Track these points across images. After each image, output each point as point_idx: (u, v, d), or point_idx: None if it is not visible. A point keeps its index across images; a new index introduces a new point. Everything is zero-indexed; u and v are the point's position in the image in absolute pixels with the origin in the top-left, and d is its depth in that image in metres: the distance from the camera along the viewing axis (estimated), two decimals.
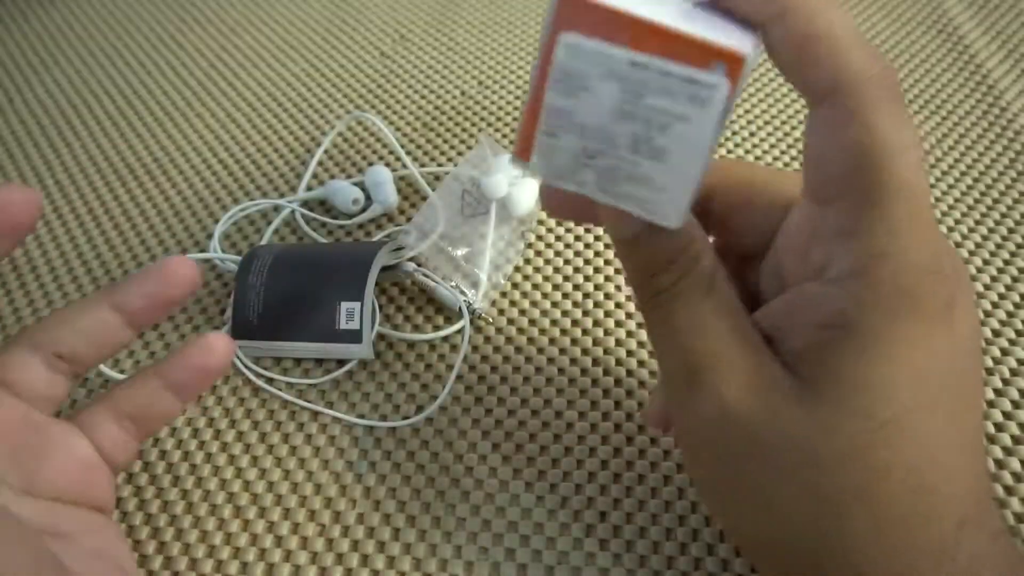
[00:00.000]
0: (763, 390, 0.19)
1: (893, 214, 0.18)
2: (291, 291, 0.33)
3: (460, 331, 0.34)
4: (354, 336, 0.31)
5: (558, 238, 0.39)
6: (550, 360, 0.33)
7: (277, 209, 0.41)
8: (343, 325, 0.31)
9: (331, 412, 0.32)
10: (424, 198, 0.40)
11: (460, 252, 0.36)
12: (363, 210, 0.40)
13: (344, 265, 0.33)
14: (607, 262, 0.37)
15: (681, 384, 0.21)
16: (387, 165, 0.43)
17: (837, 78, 0.18)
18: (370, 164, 0.43)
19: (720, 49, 0.16)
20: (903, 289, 0.18)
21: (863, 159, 0.18)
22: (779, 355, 0.20)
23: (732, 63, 0.16)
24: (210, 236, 0.40)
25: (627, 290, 0.36)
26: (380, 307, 0.36)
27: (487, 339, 0.34)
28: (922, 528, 0.19)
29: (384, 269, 0.35)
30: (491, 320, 0.35)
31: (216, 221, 0.41)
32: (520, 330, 0.35)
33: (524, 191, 0.38)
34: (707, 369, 0.20)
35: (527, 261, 0.38)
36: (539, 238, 0.39)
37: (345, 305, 0.31)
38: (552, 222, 0.39)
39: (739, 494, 0.21)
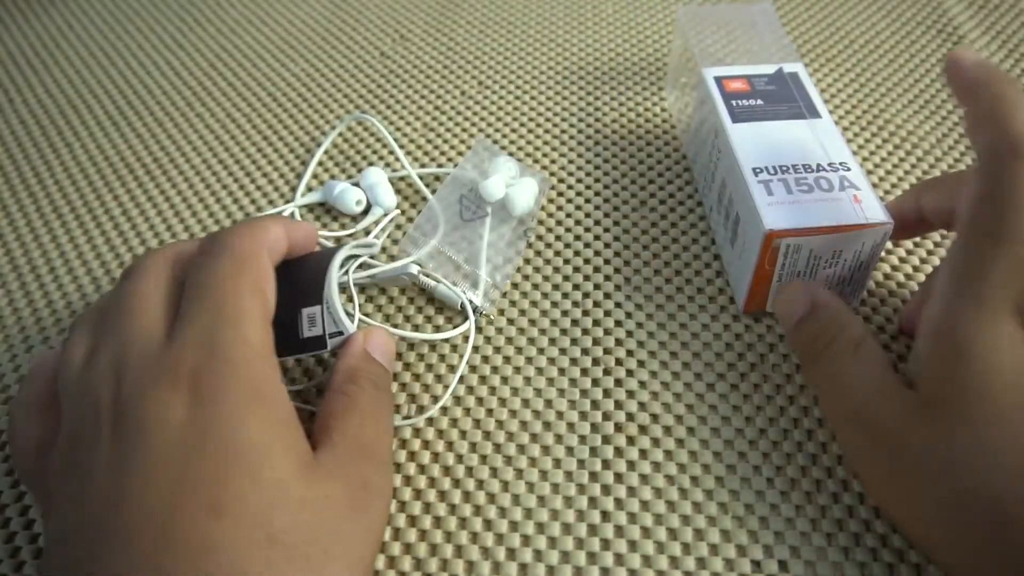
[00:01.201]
0: (896, 413, 0.25)
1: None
2: None
3: (465, 333, 0.34)
4: (318, 343, 0.29)
5: (558, 238, 0.39)
6: (551, 360, 0.33)
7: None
8: (306, 333, 0.30)
9: None
10: (424, 199, 0.40)
11: (461, 255, 0.36)
12: (365, 212, 0.40)
13: (304, 272, 0.31)
14: (607, 261, 0.37)
15: (838, 416, 0.27)
16: (387, 166, 0.43)
17: None
18: (371, 164, 0.43)
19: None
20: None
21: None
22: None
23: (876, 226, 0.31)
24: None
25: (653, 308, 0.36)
26: (374, 307, 0.36)
27: (488, 339, 0.34)
28: None
29: (386, 274, 0.35)
30: (492, 319, 0.35)
31: (216, 222, 0.41)
32: (521, 330, 0.35)
33: (522, 191, 0.38)
34: (854, 397, 0.27)
35: (527, 261, 0.38)
36: (539, 238, 0.39)
37: (306, 312, 0.30)
38: (553, 222, 0.39)
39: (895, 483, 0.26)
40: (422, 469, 0.30)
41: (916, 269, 0.36)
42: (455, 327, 0.34)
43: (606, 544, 0.28)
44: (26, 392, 0.27)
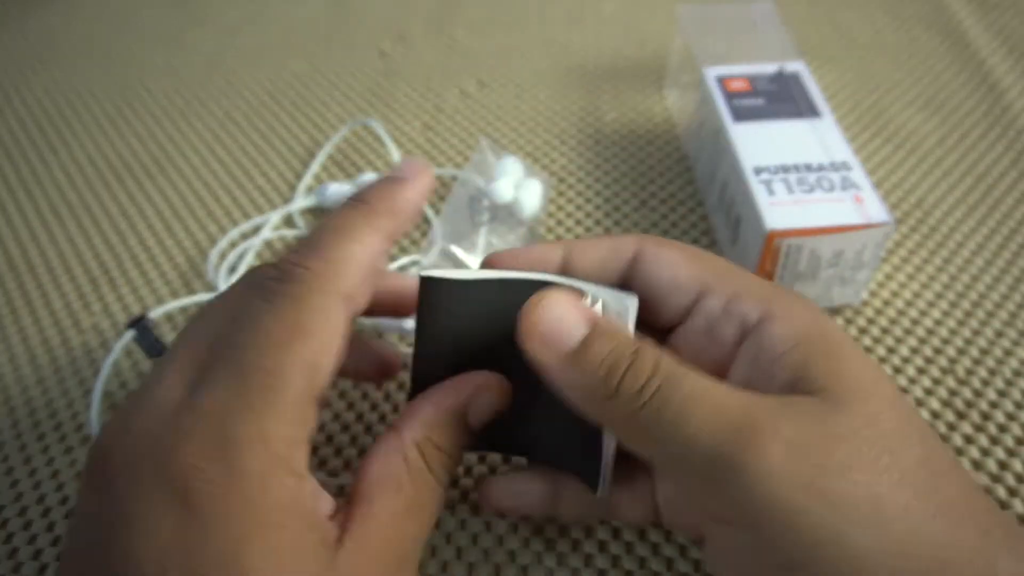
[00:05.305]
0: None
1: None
2: None
3: None
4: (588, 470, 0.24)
5: (558, 238, 0.39)
6: None
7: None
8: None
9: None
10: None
11: (475, 260, 0.36)
12: None
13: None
14: None
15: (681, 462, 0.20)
16: (391, 170, 0.43)
17: None
18: (375, 169, 0.43)
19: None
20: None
21: None
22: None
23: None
24: (211, 237, 0.40)
25: None
26: None
27: None
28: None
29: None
30: None
31: (215, 221, 0.41)
32: None
33: (529, 194, 0.38)
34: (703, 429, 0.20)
35: None
36: (540, 238, 0.39)
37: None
38: (553, 222, 0.39)
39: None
40: None
41: (918, 269, 0.36)
42: None
43: (604, 545, 0.28)
44: None
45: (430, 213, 0.39)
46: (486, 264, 0.25)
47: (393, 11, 0.55)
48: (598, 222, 0.39)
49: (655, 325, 0.24)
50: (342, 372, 0.25)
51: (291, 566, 0.19)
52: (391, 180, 0.24)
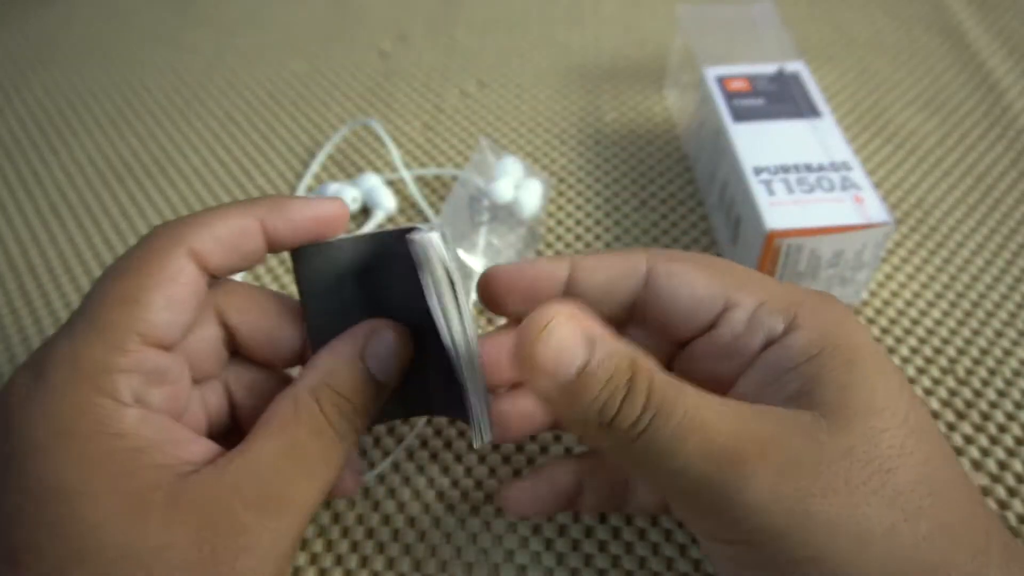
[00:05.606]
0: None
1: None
2: None
3: None
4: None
5: (559, 238, 0.39)
6: None
7: None
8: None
9: None
10: (413, 205, 0.40)
11: (475, 260, 0.36)
12: (363, 214, 0.40)
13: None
14: None
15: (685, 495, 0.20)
16: (386, 165, 0.43)
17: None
18: (372, 169, 0.43)
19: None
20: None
21: None
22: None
23: None
24: None
25: None
26: None
27: None
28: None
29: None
30: (492, 322, 0.35)
31: None
32: None
33: (529, 194, 0.38)
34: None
35: None
36: (539, 237, 0.39)
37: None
38: (553, 222, 0.39)
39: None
40: (421, 469, 0.30)
41: (918, 269, 0.36)
42: None
43: (604, 546, 0.28)
44: None
45: (430, 213, 0.39)
46: (485, 279, 0.24)
47: (393, 11, 0.55)
48: (598, 222, 0.39)
49: (675, 340, 0.24)
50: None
51: (87, 477, 0.19)
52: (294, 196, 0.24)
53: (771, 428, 0.19)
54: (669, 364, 0.25)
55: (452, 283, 0.21)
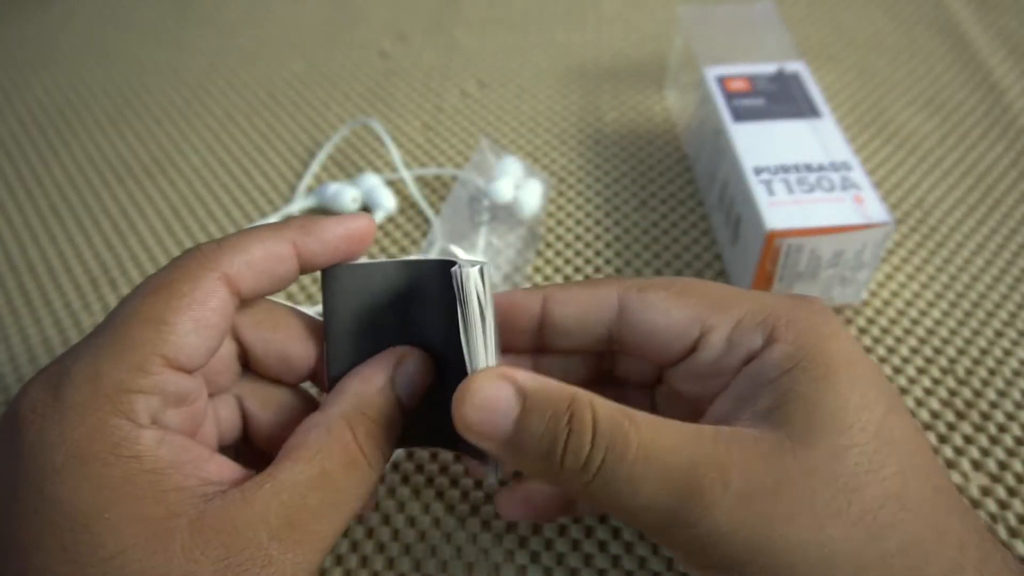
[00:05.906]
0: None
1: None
2: None
3: None
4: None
5: (558, 237, 0.39)
6: None
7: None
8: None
9: None
10: (412, 205, 0.40)
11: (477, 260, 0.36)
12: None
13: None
14: (607, 262, 0.37)
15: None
16: (386, 165, 0.43)
17: None
18: (372, 169, 0.43)
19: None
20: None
21: None
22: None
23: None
24: (210, 237, 0.40)
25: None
26: None
27: None
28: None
29: None
30: None
31: (215, 221, 0.41)
32: None
33: (529, 194, 0.38)
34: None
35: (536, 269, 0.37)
36: (539, 237, 0.39)
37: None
38: (553, 222, 0.39)
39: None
40: (421, 470, 0.30)
41: (918, 269, 0.36)
42: None
43: (604, 546, 0.28)
44: None
45: (430, 213, 0.39)
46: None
47: (393, 11, 0.55)
48: (598, 222, 0.39)
49: (657, 364, 0.24)
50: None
51: (106, 502, 0.18)
52: (321, 214, 0.24)
53: (733, 452, 0.19)
54: (655, 386, 0.26)
55: (483, 319, 0.21)
